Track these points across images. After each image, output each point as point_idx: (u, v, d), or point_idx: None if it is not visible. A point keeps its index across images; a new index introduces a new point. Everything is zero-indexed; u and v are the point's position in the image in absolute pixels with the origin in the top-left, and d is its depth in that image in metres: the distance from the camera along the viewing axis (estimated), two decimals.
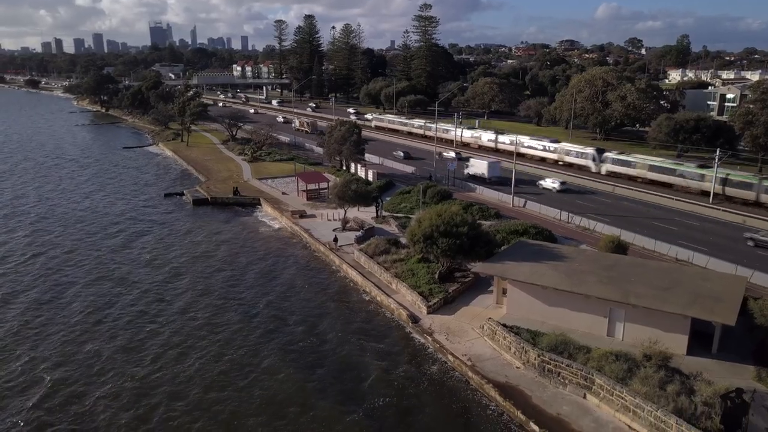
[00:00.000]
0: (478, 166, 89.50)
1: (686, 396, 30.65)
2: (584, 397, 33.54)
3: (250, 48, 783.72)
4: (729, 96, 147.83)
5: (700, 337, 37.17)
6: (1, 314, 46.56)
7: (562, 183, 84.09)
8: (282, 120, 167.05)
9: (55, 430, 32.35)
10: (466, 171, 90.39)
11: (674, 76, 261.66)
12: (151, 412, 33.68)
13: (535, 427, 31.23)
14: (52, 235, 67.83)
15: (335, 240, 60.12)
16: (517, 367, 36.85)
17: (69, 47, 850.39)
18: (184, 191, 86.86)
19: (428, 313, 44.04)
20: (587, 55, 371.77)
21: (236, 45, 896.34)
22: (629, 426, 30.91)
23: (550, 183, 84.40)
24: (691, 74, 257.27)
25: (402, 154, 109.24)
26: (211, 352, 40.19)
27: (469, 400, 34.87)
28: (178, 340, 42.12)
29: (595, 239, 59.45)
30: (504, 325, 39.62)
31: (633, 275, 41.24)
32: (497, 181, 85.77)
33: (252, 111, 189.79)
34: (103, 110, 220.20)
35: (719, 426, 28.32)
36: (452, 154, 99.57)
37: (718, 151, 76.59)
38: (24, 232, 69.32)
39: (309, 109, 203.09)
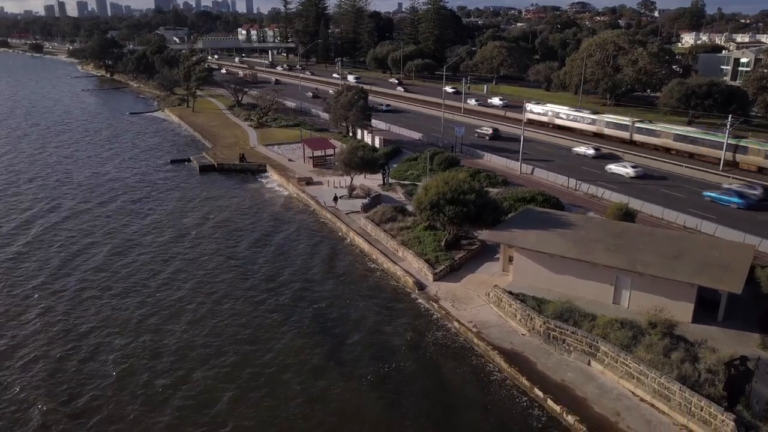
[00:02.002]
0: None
1: (690, 363, 30.83)
2: (589, 363, 33.84)
3: (255, 11, 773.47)
4: (743, 60, 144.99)
5: (706, 305, 37.19)
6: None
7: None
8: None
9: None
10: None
11: (687, 39, 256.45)
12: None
13: (540, 393, 31.61)
14: (50, 200, 68.31)
15: (335, 199, 62.26)
16: (522, 334, 37.13)
17: (72, 10, 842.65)
18: (191, 157, 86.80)
19: (434, 280, 44.24)
20: (599, 18, 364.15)
21: (241, 8, 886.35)
22: (633, 392, 31.23)
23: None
24: (704, 38, 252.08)
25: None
26: (205, 308, 40.74)
27: (474, 366, 35.25)
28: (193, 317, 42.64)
29: (603, 207, 59.18)
30: (510, 293, 39.78)
31: (640, 243, 41.06)
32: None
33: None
34: (108, 75, 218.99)
35: (722, 393, 28.54)
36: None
37: (730, 117, 75.34)
38: (30, 199, 69.75)
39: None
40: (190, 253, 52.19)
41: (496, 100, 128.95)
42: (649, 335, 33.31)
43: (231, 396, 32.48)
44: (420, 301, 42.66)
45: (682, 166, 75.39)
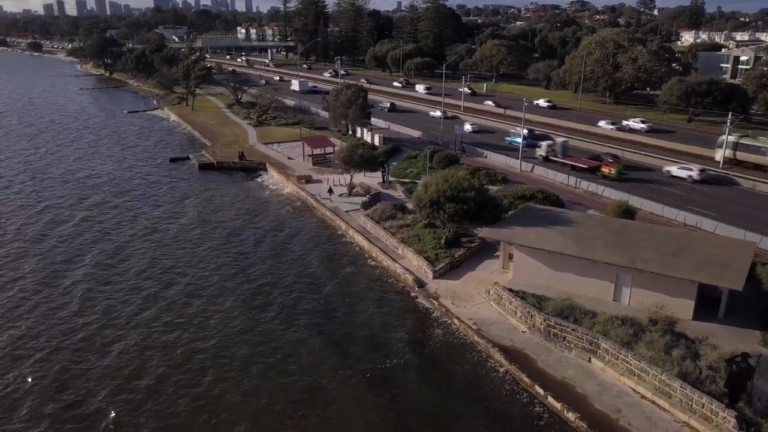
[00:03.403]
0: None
1: (691, 360, 30.74)
2: (589, 361, 33.74)
3: (254, 10, 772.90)
4: (743, 58, 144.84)
5: (707, 302, 37.11)
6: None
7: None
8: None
9: None
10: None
11: (687, 38, 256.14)
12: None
13: (540, 390, 31.52)
14: (47, 198, 68.17)
15: (330, 191, 63.69)
16: (522, 332, 37.03)
17: (71, 9, 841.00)
18: (190, 155, 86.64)
19: (434, 277, 44.14)
20: (598, 17, 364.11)
21: (240, 6, 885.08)
22: (633, 389, 31.14)
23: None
24: (704, 36, 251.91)
25: None
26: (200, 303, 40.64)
27: (474, 364, 35.14)
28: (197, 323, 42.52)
29: (602, 204, 59.12)
30: (510, 290, 39.68)
31: (640, 240, 40.99)
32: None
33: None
34: (107, 74, 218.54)
35: (723, 390, 28.46)
36: None
37: (730, 115, 75.23)
38: (22, 199, 69.60)
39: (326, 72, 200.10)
40: (188, 252, 52.03)
41: (635, 123, 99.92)
42: (650, 332, 33.21)
43: (231, 392, 32.41)
44: (420, 298, 42.55)
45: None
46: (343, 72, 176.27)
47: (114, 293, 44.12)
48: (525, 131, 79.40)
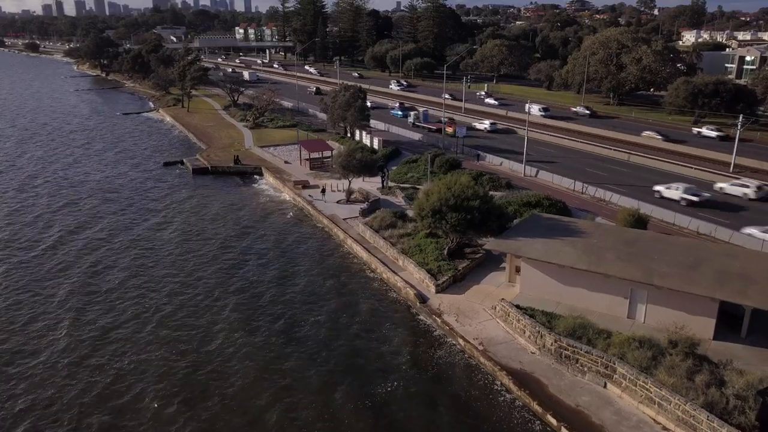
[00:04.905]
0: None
1: (716, 388, 28.35)
2: (605, 386, 31.36)
3: (253, 9, 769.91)
4: (748, 58, 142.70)
5: (727, 318, 34.77)
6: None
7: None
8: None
9: None
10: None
11: (688, 37, 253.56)
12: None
13: (553, 420, 29.16)
14: (35, 205, 65.70)
15: (323, 191, 64.42)
16: (532, 353, 34.65)
17: (70, 10, 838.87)
18: (184, 160, 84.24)
19: (437, 292, 41.73)
20: (598, 16, 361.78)
21: (239, 6, 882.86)
22: (654, 419, 28.77)
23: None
24: (705, 35, 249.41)
25: None
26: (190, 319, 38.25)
27: (480, 388, 32.77)
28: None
29: (611, 211, 56.87)
30: (518, 307, 37.30)
31: (655, 252, 38.59)
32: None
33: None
34: (104, 75, 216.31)
35: (755, 423, 26.13)
36: None
37: (741, 117, 72.91)
38: (12, 206, 67.18)
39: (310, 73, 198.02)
40: (178, 264, 49.60)
41: (708, 131, 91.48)
42: (670, 355, 30.82)
43: (230, 416, 30.04)
44: (421, 315, 40.13)
45: None
46: (403, 83, 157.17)
47: (87, 312, 41.72)
48: (397, 104, 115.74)
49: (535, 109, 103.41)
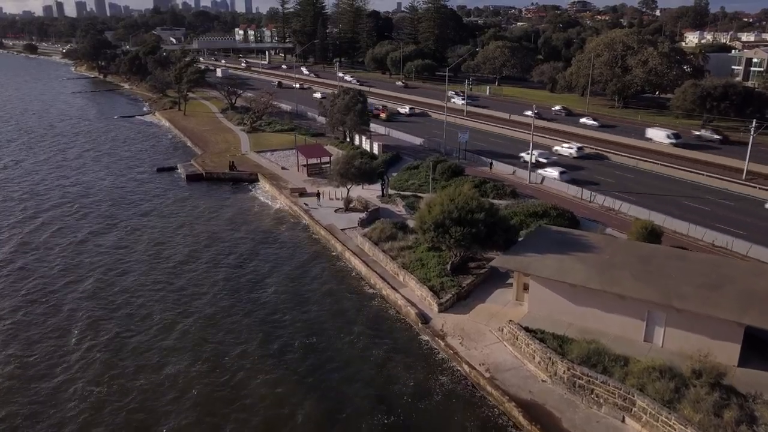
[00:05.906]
0: None
1: (747, 425, 25.93)
2: (623, 420, 28.88)
3: (254, 10, 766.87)
4: (755, 60, 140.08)
5: (751, 340, 32.28)
6: None
7: None
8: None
9: None
10: None
11: (691, 38, 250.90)
12: None
13: None
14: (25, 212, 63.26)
15: (318, 196, 63.17)
16: (542, 381, 32.13)
17: (71, 11, 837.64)
18: (178, 165, 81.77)
19: (440, 311, 39.18)
20: (599, 17, 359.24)
21: (240, 7, 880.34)
22: None
23: None
24: (709, 36, 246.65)
25: None
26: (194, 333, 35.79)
27: (485, 420, 30.30)
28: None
29: (620, 221, 54.52)
30: (527, 329, 34.78)
31: (673, 270, 36.10)
32: None
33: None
34: (101, 76, 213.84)
35: None
36: None
37: (754, 122, 70.32)
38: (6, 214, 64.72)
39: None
40: (167, 279, 47.11)
41: None
42: (694, 386, 28.33)
43: None
44: (424, 337, 37.57)
45: None
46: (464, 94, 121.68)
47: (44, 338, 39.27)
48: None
49: (662, 135, 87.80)
